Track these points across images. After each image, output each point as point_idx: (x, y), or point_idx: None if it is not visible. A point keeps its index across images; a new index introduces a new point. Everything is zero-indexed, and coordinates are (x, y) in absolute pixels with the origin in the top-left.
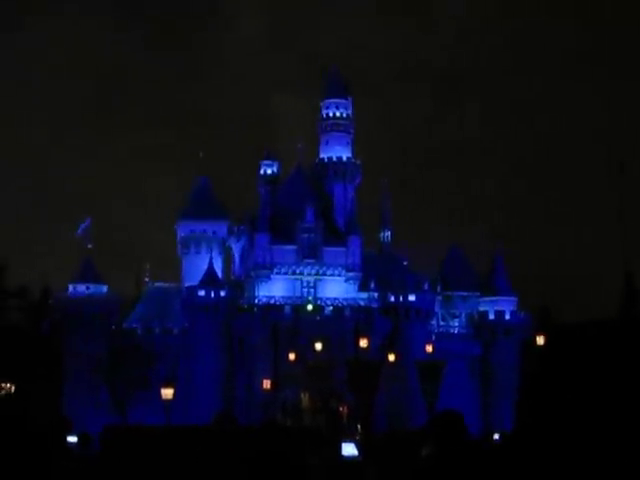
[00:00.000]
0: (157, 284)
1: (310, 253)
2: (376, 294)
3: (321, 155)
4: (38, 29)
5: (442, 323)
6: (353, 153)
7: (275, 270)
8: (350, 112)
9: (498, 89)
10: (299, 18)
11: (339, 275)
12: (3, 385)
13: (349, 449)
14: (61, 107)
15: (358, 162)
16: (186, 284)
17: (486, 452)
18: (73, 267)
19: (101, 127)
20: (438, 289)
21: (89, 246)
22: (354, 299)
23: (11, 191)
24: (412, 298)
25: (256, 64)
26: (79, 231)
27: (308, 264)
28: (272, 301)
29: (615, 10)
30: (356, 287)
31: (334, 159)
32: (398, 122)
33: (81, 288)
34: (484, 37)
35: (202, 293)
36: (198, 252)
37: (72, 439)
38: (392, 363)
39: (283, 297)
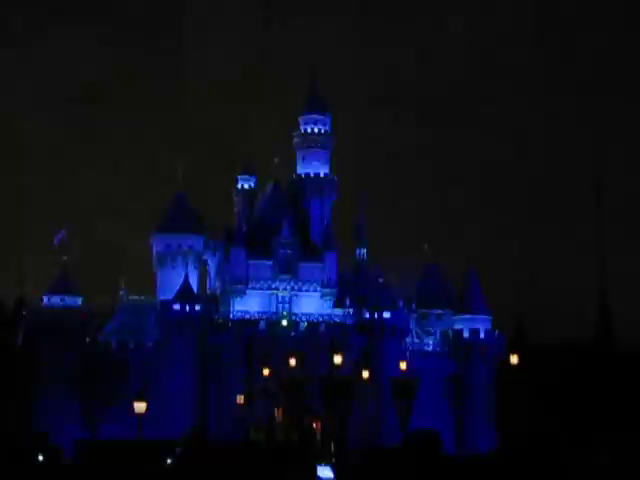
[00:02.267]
0: (132, 298)
1: (286, 268)
2: (351, 311)
3: (298, 170)
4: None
5: (417, 340)
6: (331, 169)
7: (250, 285)
8: (328, 128)
9: (475, 113)
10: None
11: (315, 291)
12: None
13: (325, 472)
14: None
15: (335, 178)
16: (161, 298)
17: (460, 468)
18: (49, 278)
19: (81, 139)
20: (413, 306)
21: (64, 258)
22: (329, 315)
23: None
24: (387, 315)
25: (233, 79)
26: (55, 241)
27: (284, 279)
28: (247, 316)
29: None
30: (331, 303)
31: (311, 175)
32: (376, 140)
33: (56, 300)
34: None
35: (177, 307)
36: (174, 266)
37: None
38: (366, 380)
39: (258, 312)
